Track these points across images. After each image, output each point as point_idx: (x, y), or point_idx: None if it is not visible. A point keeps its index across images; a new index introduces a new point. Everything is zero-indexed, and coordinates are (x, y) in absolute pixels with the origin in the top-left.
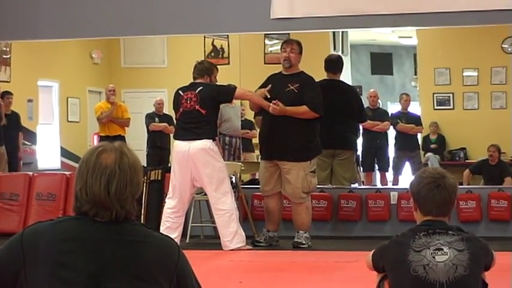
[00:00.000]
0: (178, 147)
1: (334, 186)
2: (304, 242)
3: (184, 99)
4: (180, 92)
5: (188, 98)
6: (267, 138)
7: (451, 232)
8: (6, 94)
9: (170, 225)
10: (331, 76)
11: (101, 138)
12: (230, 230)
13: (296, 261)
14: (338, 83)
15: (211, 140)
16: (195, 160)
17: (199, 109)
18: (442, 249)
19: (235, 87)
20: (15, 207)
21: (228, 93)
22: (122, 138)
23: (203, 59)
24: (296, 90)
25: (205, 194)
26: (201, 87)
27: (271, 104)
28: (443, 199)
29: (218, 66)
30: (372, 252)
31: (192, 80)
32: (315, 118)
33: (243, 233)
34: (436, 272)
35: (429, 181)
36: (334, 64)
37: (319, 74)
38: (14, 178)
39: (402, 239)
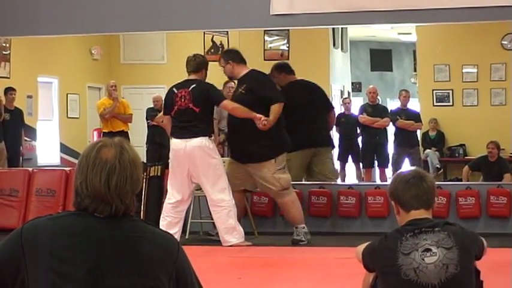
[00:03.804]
0: (175, 145)
1: (333, 183)
2: (303, 239)
3: (178, 97)
4: (174, 89)
5: (182, 96)
6: (230, 143)
7: (437, 229)
8: (9, 90)
9: (171, 220)
10: (292, 77)
11: (104, 134)
12: (228, 226)
13: (295, 257)
14: (302, 81)
15: (207, 137)
16: (191, 158)
17: (193, 107)
18: (431, 250)
19: (225, 98)
20: (14, 203)
21: (216, 100)
22: (125, 133)
23: (198, 53)
24: (244, 91)
25: None
26: (194, 85)
27: (260, 122)
28: (422, 189)
29: (218, 63)
30: (362, 247)
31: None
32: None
33: (242, 229)
34: (427, 275)
35: (404, 175)
36: (288, 66)
37: (318, 69)
38: (13, 174)
39: (390, 243)
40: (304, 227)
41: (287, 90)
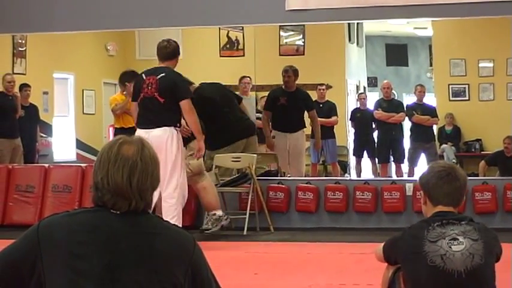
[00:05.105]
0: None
1: (348, 178)
2: (210, 227)
3: (146, 83)
4: (143, 75)
5: (149, 83)
6: None
7: (463, 222)
8: (24, 87)
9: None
10: None
11: (116, 130)
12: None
13: (311, 253)
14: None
15: (172, 127)
16: (155, 148)
17: (158, 97)
18: (458, 239)
19: (190, 97)
20: (31, 199)
21: (179, 95)
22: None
23: (171, 39)
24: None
25: (221, 186)
26: (162, 74)
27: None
28: (454, 188)
29: (233, 58)
30: (382, 244)
31: (203, 70)
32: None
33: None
34: (453, 262)
35: (439, 170)
36: None
37: (333, 64)
38: (29, 170)
39: (415, 231)
40: (215, 214)
41: (202, 90)
